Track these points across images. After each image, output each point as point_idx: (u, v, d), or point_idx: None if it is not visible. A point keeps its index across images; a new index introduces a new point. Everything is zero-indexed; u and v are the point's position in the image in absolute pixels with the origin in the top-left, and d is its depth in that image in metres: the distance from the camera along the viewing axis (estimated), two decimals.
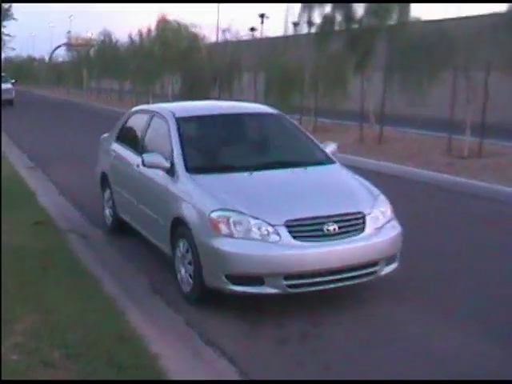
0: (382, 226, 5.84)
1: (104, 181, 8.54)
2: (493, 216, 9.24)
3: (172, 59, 27.57)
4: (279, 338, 5.16)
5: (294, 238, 5.41)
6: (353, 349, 4.98)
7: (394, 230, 5.96)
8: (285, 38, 22.12)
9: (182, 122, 6.84)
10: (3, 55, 53.87)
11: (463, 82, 13.83)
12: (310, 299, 5.74)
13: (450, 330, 5.28)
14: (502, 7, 13.65)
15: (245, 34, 31.70)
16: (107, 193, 8.39)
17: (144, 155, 6.65)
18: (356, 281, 5.72)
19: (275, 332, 5.27)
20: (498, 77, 13.35)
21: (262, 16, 64.51)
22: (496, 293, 6.12)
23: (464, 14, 19.37)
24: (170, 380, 4.25)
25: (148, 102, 25.28)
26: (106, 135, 9.12)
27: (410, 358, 4.82)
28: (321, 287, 5.55)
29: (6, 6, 41.09)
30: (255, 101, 20.46)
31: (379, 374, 4.58)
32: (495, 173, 11.64)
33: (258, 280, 5.41)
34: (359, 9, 18.62)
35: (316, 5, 19.42)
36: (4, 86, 33.78)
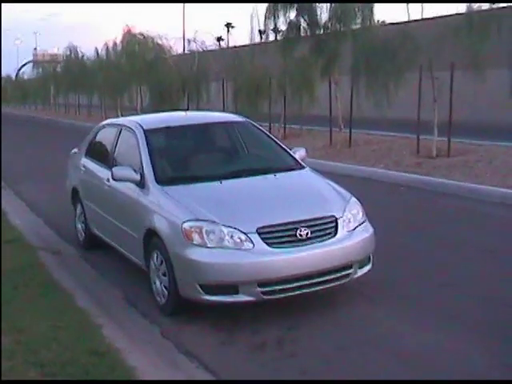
0: (354, 228, 5.88)
1: (75, 196, 8.49)
2: (462, 213, 9.35)
3: (139, 71, 27.48)
4: (256, 344, 5.17)
5: (267, 244, 5.42)
6: (328, 352, 5.00)
7: (366, 232, 6.00)
8: (251, 46, 22.16)
9: (150, 134, 6.83)
10: None
11: (429, 82, 13.97)
12: (285, 304, 5.74)
13: (424, 330, 5.32)
14: (462, 8, 13.82)
15: (211, 44, 31.76)
16: (79, 208, 8.34)
17: (113, 169, 6.63)
18: (331, 284, 5.75)
19: (251, 339, 5.28)
20: (462, 76, 13.51)
21: (227, 25, 64.75)
22: (469, 292, 6.18)
23: (427, 16, 19.63)
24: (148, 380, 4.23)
25: (117, 116, 25.17)
26: (75, 150, 9.07)
27: (385, 358, 4.84)
28: (296, 292, 5.56)
29: None
30: (224, 110, 20.50)
31: (355, 375, 4.60)
32: (463, 170, 11.78)
33: (232, 289, 5.41)
34: (324, 14, 18.76)
35: (281, 11, 19.47)
36: None
